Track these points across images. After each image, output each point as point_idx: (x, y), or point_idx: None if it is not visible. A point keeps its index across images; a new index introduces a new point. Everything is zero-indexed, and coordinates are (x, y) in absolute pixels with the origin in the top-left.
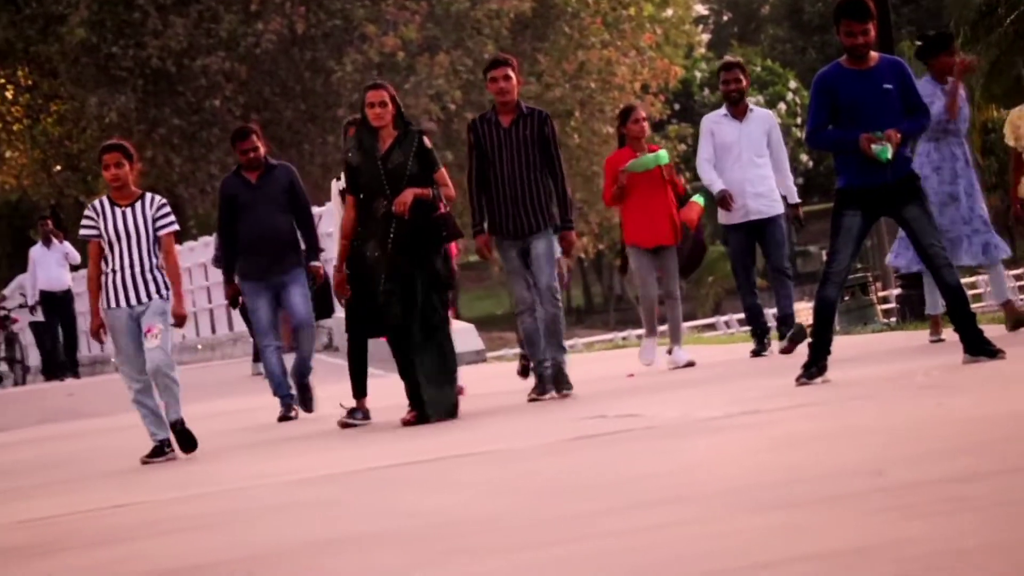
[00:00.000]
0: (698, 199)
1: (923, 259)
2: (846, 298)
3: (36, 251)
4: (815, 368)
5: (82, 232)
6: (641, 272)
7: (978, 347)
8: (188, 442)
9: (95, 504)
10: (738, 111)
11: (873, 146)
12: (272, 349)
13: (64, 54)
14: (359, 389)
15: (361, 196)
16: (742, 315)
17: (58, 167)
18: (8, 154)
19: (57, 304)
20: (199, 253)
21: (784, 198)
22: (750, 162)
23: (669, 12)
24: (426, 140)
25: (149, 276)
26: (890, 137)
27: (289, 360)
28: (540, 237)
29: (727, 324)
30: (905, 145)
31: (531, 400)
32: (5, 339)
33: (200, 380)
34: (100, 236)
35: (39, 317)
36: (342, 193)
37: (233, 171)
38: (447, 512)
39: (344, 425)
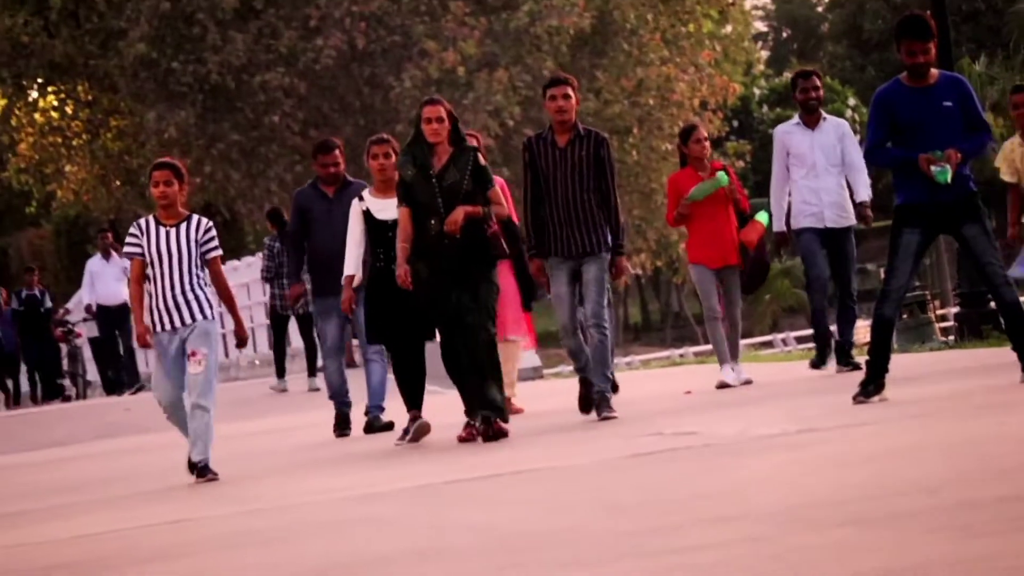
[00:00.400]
0: (761, 217)
1: (981, 277)
2: (904, 316)
3: (95, 263)
4: (872, 386)
5: (126, 250)
6: (704, 288)
7: None
8: (203, 474)
9: (151, 520)
10: (812, 120)
11: (933, 167)
12: (335, 368)
13: (124, 69)
14: (412, 400)
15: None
16: (799, 333)
17: (117, 182)
18: (68, 168)
19: (114, 318)
20: (255, 268)
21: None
22: (825, 171)
23: (728, 29)
24: (481, 157)
25: (191, 296)
26: (950, 157)
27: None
28: (593, 261)
29: (784, 342)
30: (965, 164)
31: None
32: (68, 353)
33: (255, 395)
34: (143, 255)
35: (95, 332)
36: (365, 214)
37: (310, 183)
38: (502, 528)
39: (400, 443)
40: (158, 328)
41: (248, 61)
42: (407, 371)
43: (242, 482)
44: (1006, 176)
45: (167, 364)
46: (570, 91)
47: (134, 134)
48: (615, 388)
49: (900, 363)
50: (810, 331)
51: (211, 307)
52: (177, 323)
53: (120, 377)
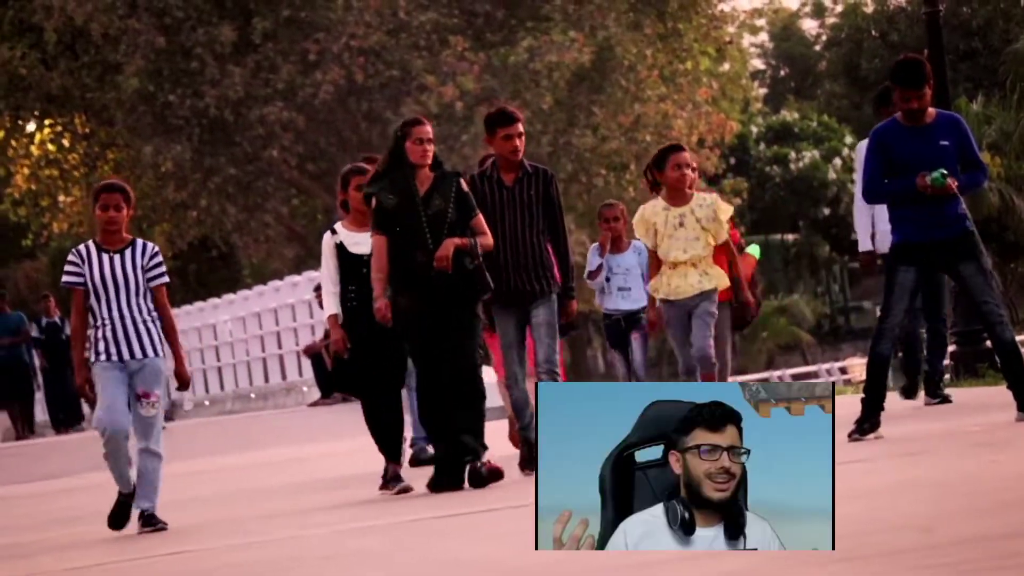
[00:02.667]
0: (752, 250)
1: (978, 316)
2: (899, 354)
3: None
4: (868, 424)
5: (65, 279)
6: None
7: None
8: (151, 523)
9: (145, 553)
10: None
11: (929, 176)
12: None
13: (121, 102)
14: (390, 452)
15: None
16: (794, 370)
17: None
18: (63, 199)
19: None
20: (253, 303)
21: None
22: None
23: (726, 67)
24: (463, 183)
25: (143, 328)
26: (949, 185)
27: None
28: (543, 304)
29: (780, 379)
30: (959, 201)
31: (527, 474)
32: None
33: (252, 429)
34: (84, 284)
35: None
36: (338, 247)
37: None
38: (493, 562)
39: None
40: (103, 358)
41: (246, 95)
42: (382, 420)
43: (235, 516)
44: (647, 240)
45: (113, 392)
46: (522, 128)
47: (131, 167)
48: None
49: (895, 400)
50: (805, 368)
51: (161, 343)
52: (126, 355)
53: None
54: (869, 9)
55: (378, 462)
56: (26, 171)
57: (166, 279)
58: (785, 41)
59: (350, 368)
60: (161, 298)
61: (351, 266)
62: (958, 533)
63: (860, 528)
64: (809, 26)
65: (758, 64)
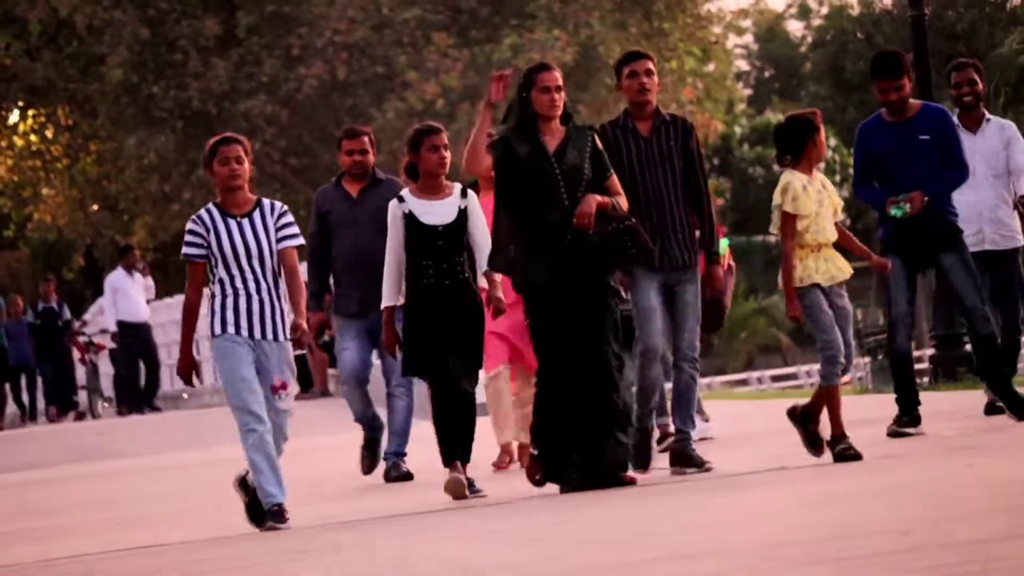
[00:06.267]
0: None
1: (960, 310)
2: (879, 356)
3: (119, 278)
4: (907, 418)
5: (185, 251)
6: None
7: (1008, 401)
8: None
9: (119, 545)
10: (971, 120)
11: (891, 208)
12: (358, 395)
13: (104, 94)
14: (452, 451)
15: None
16: (774, 371)
17: (95, 207)
18: (45, 191)
19: (136, 335)
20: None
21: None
22: (986, 181)
23: (711, 67)
24: (598, 139)
25: (277, 306)
26: (912, 200)
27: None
28: (690, 280)
29: (759, 380)
30: (946, 198)
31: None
32: (89, 367)
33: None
34: (209, 256)
35: (112, 344)
36: (407, 218)
37: (333, 182)
38: (468, 560)
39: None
40: (231, 330)
41: (230, 88)
42: (450, 414)
43: (209, 510)
44: (799, 210)
45: (247, 377)
46: (652, 67)
47: (113, 159)
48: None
49: (873, 404)
50: (784, 370)
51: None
52: (257, 333)
53: (141, 394)
54: (855, 11)
55: (352, 459)
56: (9, 162)
57: (299, 240)
58: (770, 42)
59: (424, 351)
60: (291, 261)
61: (425, 239)
62: (936, 537)
63: (838, 531)
64: (794, 28)
65: (743, 65)
